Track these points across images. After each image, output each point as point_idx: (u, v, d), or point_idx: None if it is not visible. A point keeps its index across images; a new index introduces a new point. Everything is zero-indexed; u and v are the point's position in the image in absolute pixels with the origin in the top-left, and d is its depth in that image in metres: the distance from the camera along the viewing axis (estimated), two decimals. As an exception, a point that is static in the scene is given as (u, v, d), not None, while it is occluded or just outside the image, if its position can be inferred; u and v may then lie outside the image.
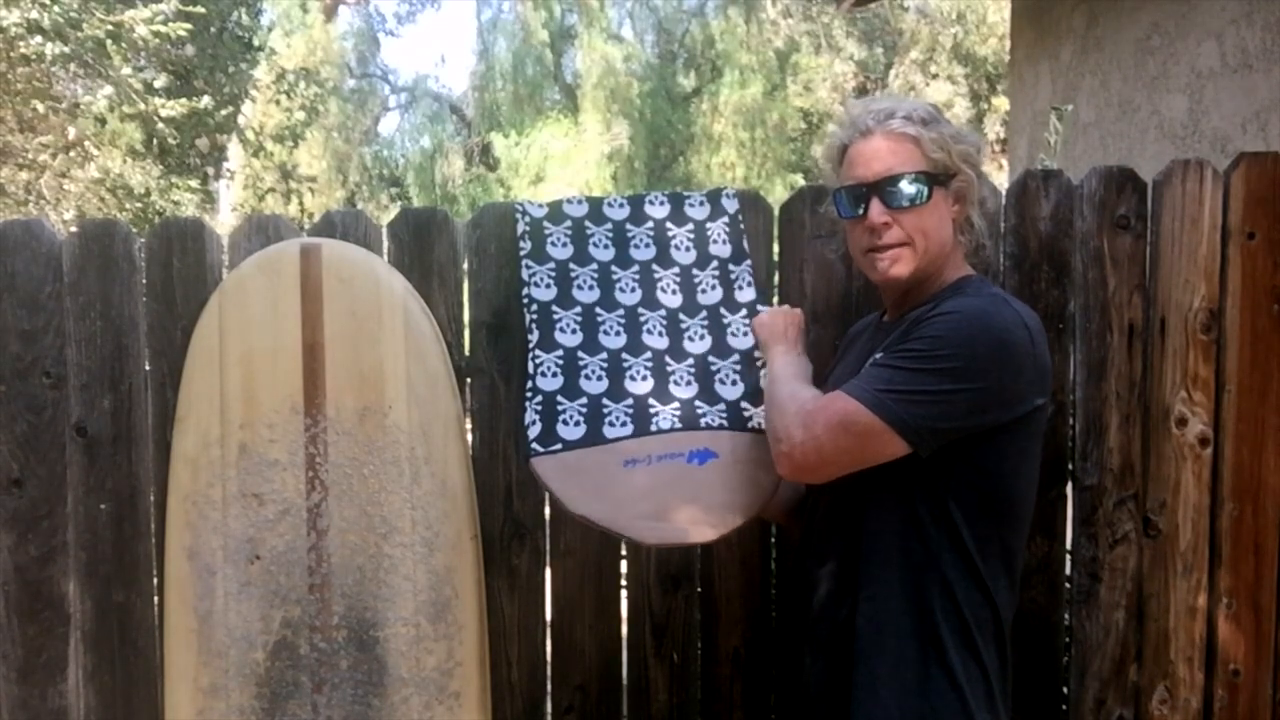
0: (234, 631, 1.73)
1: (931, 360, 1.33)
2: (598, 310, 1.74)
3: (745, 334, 1.74)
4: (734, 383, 1.68)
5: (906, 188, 1.43)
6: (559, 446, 1.62)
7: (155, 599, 1.82)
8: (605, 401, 1.65)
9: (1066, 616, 1.82)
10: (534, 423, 1.64)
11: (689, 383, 1.68)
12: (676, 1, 15.97)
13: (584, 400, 1.66)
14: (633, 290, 1.77)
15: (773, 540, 1.85)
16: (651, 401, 1.66)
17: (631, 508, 1.56)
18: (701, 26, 15.46)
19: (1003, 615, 1.42)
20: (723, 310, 1.76)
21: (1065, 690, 1.83)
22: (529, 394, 1.67)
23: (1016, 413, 1.37)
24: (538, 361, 1.69)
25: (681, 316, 1.76)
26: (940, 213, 1.45)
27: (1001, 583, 1.41)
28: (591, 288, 1.76)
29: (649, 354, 1.71)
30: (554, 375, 1.68)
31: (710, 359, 1.71)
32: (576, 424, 1.64)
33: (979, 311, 1.36)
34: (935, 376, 1.33)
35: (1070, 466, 1.81)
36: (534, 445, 1.62)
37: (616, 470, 1.60)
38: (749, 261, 1.80)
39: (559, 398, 1.66)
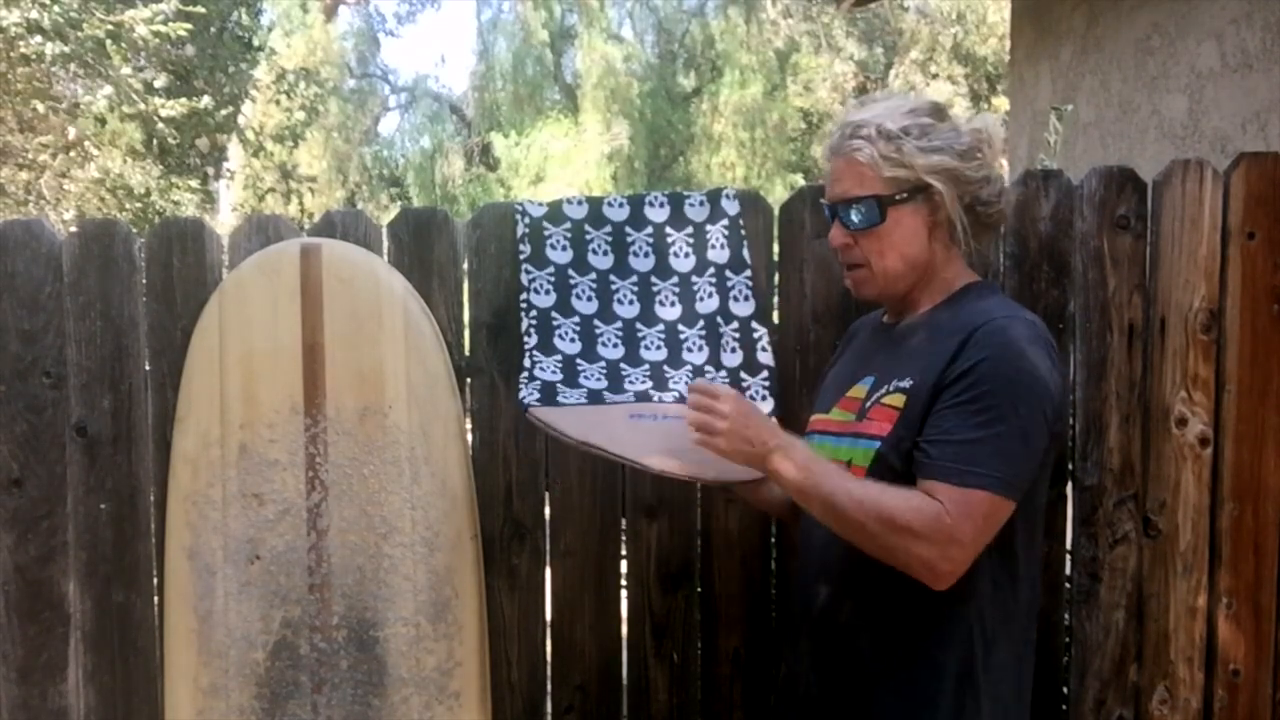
0: (234, 631, 1.73)
1: (1014, 415, 1.32)
2: (596, 322, 1.75)
3: (735, 350, 1.74)
4: None
5: (856, 213, 1.44)
6: (559, 404, 1.62)
7: (155, 599, 1.82)
8: (606, 395, 1.65)
9: (1066, 616, 1.82)
10: (530, 389, 1.64)
11: (687, 385, 1.68)
12: (676, 1, 15.97)
13: (583, 390, 1.66)
14: (631, 303, 1.77)
15: (773, 540, 1.85)
16: (653, 391, 1.67)
17: (638, 448, 1.53)
18: (701, 26, 15.45)
19: (1029, 618, 1.44)
20: (719, 319, 1.76)
21: (1065, 690, 1.83)
22: (525, 377, 1.67)
23: (1059, 427, 1.41)
24: (535, 359, 1.69)
25: (680, 327, 1.76)
26: (905, 229, 1.44)
27: (1025, 589, 1.43)
28: (590, 299, 1.76)
29: (647, 366, 1.72)
30: (554, 372, 1.68)
31: (707, 369, 1.71)
32: (577, 400, 1.64)
33: (1019, 341, 1.35)
34: (1022, 431, 1.32)
35: (1070, 466, 1.81)
36: (531, 403, 1.61)
37: (621, 420, 1.59)
38: (748, 272, 1.79)
39: (559, 386, 1.66)
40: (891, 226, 1.44)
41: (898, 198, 1.43)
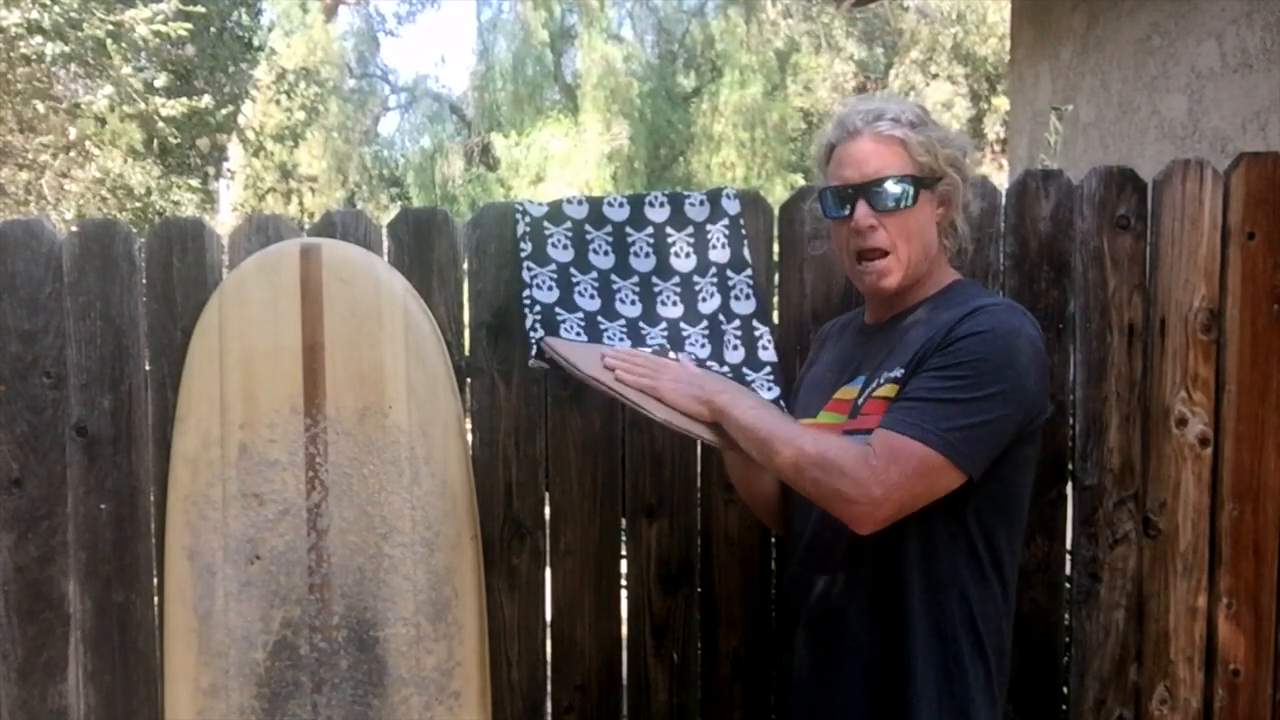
0: (234, 631, 1.73)
1: (980, 388, 1.32)
2: (600, 319, 1.75)
3: (736, 347, 1.74)
4: None
5: (893, 190, 1.42)
6: (564, 338, 1.65)
7: (155, 599, 1.82)
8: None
9: (1066, 616, 1.82)
10: (535, 331, 1.68)
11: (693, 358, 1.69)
12: (676, 1, 15.97)
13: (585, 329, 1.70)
14: (633, 303, 1.77)
15: (773, 541, 1.85)
16: (667, 349, 1.70)
17: (640, 394, 1.50)
18: (701, 26, 15.45)
19: (1009, 616, 1.45)
20: (721, 317, 1.76)
21: (1065, 690, 1.83)
22: (530, 331, 1.70)
23: (1037, 423, 1.40)
24: (539, 332, 1.71)
25: (683, 325, 1.76)
26: (925, 216, 1.45)
27: (1010, 587, 1.45)
28: (593, 297, 1.77)
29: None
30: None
31: (709, 364, 1.71)
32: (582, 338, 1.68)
33: (1010, 329, 1.36)
34: (987, 404, 1.32)
35: (1070, 466, 1.81)
36: (542, 335, 1.65)
37: None
38: (749, 271, 1.79)
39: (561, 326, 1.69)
40: (917, 211, 1.44)
41: (926, 181, 1.44)
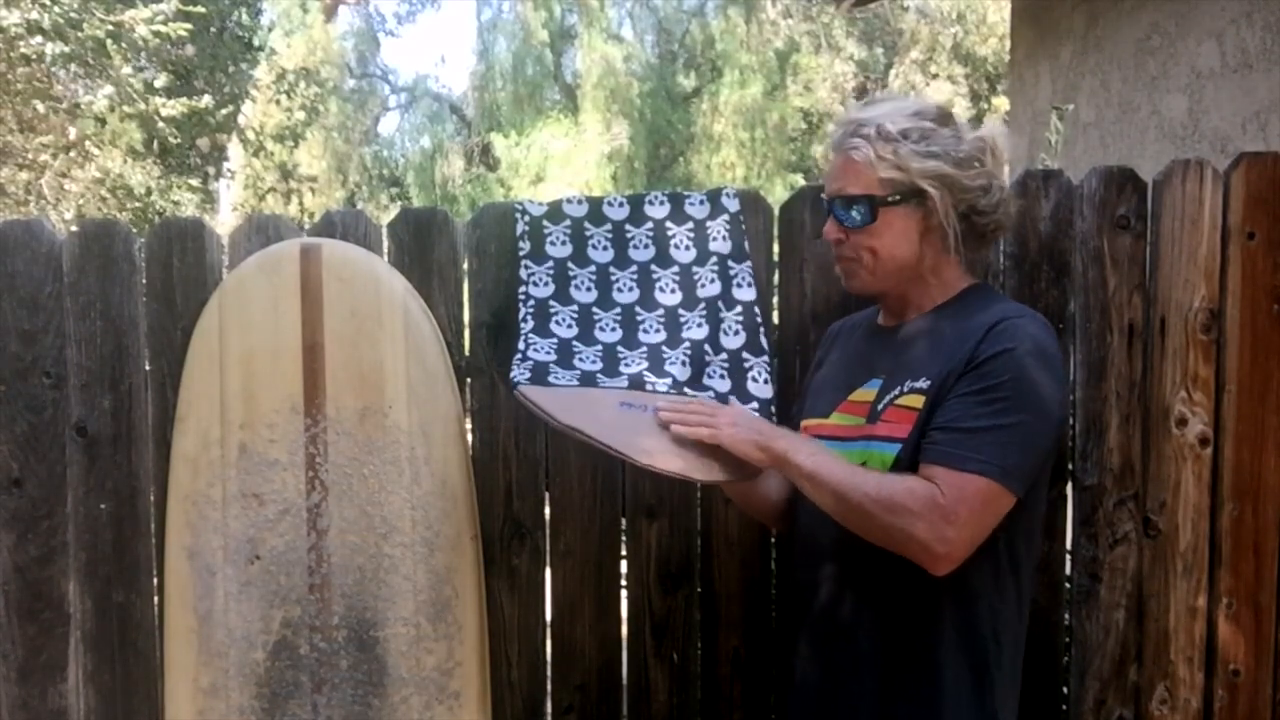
0: (234, 631, 1.73)
1: (1022, 409, 1.34)
2: (594, 310, 1.75)
3: (738, 332, 1.73)
4: (722, 377, 1.68)
5: (850, 210, 1.46)
6: (549, 385, 1.58)
7: (155, 599, 1.82)
8: (600, 377, 1.64)
9: (1066, 616, 1.82)
10: (521, 369, 1.60)
11: (684, 364, 1.67)
12: (676, 1, 15.97)
13: (576, 372, 1.64)
14: (630, 289, 1.77)
15: (772, 540, 1.85)
16: (647, 374, 1.65)
17: (625, 436, 1.47)
18: (701, 26, 15.45)
19: (1025, 624, 1.47)
20: (720, 304, 1.76)
21: (1065, 690, 1.83)
22: (517, 358, 1.63)
23: (1060, 433, 1.43)
24: (530, 341, 1.68)
25: (680, 311, 1.76)
26: (895, 231, 1.45)
27: (1027, 596, 1.46)
28: (589, 289, 1.76)
29: (644, 348, 1.71)
30: (547, 353, 1.67)
31: (706, 348, 1.70)
32: (569, 381, 1.61)
33: (1034, 342, 1.37)
34: (1032, 425, 1.35)
35: (1070, 466, 1.81)
36: (520, 381, 1.57)
37: (611, 407, 1.55)
38: (749, 262, 1.79)
39: (552, 366, 1.64)
40: (882, 227, 1.45)
41: (890, 199, 1.44)
